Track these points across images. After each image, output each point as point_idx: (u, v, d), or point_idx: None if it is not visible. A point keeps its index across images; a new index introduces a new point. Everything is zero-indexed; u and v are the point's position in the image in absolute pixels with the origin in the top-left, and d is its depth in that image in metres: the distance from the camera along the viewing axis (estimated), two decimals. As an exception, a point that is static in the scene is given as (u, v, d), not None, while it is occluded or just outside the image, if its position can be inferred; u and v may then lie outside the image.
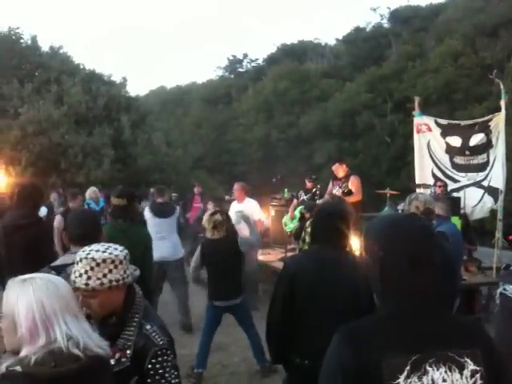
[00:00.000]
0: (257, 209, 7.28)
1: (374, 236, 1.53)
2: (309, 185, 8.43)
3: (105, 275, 1.95)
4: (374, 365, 1.34)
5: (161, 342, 1.96)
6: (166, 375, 1.94)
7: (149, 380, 1.93)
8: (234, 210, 6.84)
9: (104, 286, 1.94)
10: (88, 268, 1.94)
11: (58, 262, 2.75)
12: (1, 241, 4.12)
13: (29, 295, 1.48)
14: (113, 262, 1.98)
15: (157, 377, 1.92)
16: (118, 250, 2.03)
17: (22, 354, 1.41)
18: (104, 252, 1.99)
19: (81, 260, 1.97)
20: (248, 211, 6.78)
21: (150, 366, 1.92)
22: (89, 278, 1.93)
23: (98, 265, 1.95)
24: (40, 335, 1.44)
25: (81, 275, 1.95)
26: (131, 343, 1.95)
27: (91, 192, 7.09)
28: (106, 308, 1.98)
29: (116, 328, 1.98)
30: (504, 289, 2.02)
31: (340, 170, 7.26)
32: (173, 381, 1.96)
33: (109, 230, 3.86)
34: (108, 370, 1.64)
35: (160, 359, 1.94)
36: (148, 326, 2.00)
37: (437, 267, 1.48)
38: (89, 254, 1.98)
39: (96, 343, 1.53)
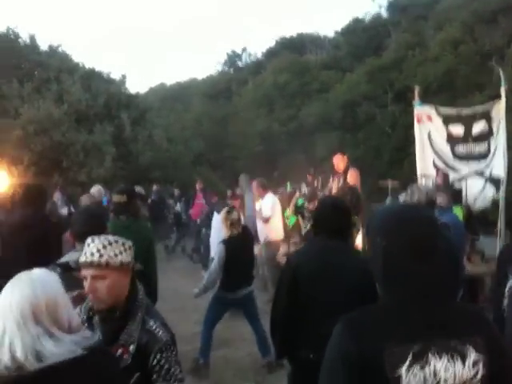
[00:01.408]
0: (267, 206, 7.37)
1: (378, 226, 1.53)
2: (309, 178, 8.48)
3: (116, 255, 2.01)
4: (376, 354, 1.35)
5: (164, 339, 1.98)
6: (172, 370, 1.96)
7: (154, 376, 1.94)
8: (258, 206, 7.45)
9: (116, 262, 1.99)
10: (101, 247, 2.00)
11: (63, 259, 2.77)
12: (5, 240, 4.15)
13: None
14: (123, 244, 2.06)
15: (163, 372, 1.94)
16: (124, 239, 2.11)
17: None
18: (113, 236, 2.08)
19: (93, 240, 2.03)
20: (263, 207, 7.28)
21: (154, 362, 1.94)
22: (101, 255, 1.99)
23: (110, 244, 2.02)
24: None
25: (92, 254, 1.99)
26: (134, 339, 1.96)
27: (95, 190, 7.02)
28: (113, 293, 2.00)
29: (119, 323, 2.00)
30: None
31: (341, 162, 7.25)
32: (179, 376, 1.98)
33: (112, 226, 3.87)
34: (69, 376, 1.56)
35: (165, 355, 1.96)
36: (151, 323, 2.02)
37: (440, 257, 1.48)
38: (100, 236, 2.06)
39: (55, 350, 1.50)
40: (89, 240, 2.05)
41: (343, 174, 7.12)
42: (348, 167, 7.18)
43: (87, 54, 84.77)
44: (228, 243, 4.91)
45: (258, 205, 7.51)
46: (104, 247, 2.00)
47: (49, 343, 1.49)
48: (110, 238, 2.06)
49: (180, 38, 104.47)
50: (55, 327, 1.54)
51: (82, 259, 2.01)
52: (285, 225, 8.01)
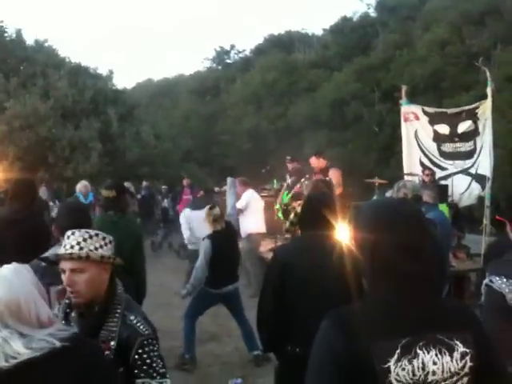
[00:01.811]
0: (242, 200, 7.88)
1: (365, 221, 1.50)
2: (290, 166, 8.53)
3: (97, 248, 1.98)
4: (364, 349, 1.34)
5: (146, 332, 1.95)
6: (154, 365, 1.93)
7: (136, 371, 1.91)
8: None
9: (97, 255, 1.96)
10: (81, 239, 1.97)
11: (47, 253, 2.74)
12: None
13: None
14: (104, 238, 2.03)
15: (144, 367, 1.91)
16: (105, 234, 2.08)
17: None
18: (94, 230, 2.06)
19: (73, 233, 2.00)
20: (239, 201, 7.82)
21: (136, 357, 1.91)
22: (81, 248, 1.95)
23: (90, 237, 1.99)
24: None
25: (72, 247, 1.96)
26: (115, 334, 1.93)
27: (81, 186, 7.07)
28: (92, 287, 1.96)
29: (98, 319, 1.97)
30: (490, 280, 1.99)
31: (318, 163, 7.36)
32: (160, 370, 1.95)
33: (99, 222, 3.86)
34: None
35: (147, 349, 1.93)
36: (132, 317, 1.99)
37: (427, 253, 1.48)
38: (81, 230, 2.02)
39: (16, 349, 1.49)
40: (68, 233, 2.02)
41: (323, 174, 7.19)
42: (327, 167, 7.26)
43: (74, 49, 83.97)
44: (213, 238, 4.91)
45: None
46: (84, 240, 1.98)
47: (18, 344, 1.47)
48: (91, 231, 2.03)
49: (167, 34, 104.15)
50: (22, 325, 1.52)
51: (62, 251, 1.97)
52: (273, 221, 8.06)
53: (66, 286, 1.96)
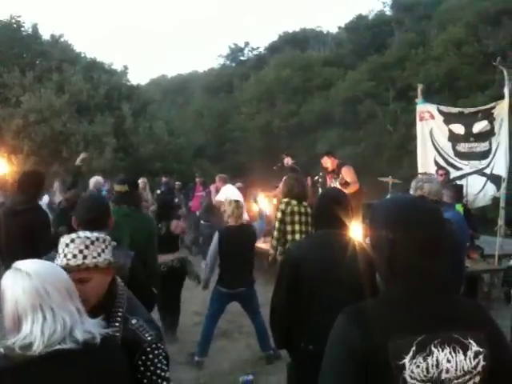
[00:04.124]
0: (220, 192, 8.42)
1: (383, 218, 1.49)
2: (285, 161, 8.54)
3: (99, 254, 1.89)
4: (380, 345, 1.34)
5: (149, 338, 1.86)
6: (158, 371, 1.87)
7: (139, 375, 1.85)
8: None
9: (103, 262, 1.88)
10: (83, 247, 1.87)
11: None
12: (2, 224, 4.24)
13: (10, 288, 1.49)
14: (104, 241, 1.94)
15: (148, 373, 1.85)
16: (104, 235, 2.00)
17: (10, 340, 1.44)
18: (92, 233, 1.95)
19: (72, 241, 1.88)
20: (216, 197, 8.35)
21: (140, 363, 1.84)
22: (85, 257, 1.85)
23: (92, 243, 1.89)
24: (17, 328, 1.46)
25: (75, 256, 1.85)
26: (118, 339, 1.85)
27: (95, 181, 7.16)
28: (97, 294, 1.90)
29: None
30: None
31: (328, 162, 7.32)
32: (163, 374, 1.89)
33: (113, 214, 3.87)
34: (92, 357, 1.54)
35: (150, 356, 1.85)
36: (134, 321, 1.90)
37: (445, 252, 1.47)
38: (79, 235, 1.91)
39: (85, 329, 1.52)
40: (67, 240, 1.89)
41: (337, 172, 7.16)
42: (339, 166, 7.22)
43: (88, 44, 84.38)
44: (224, 231, 4.94)
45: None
46: (86, 247, 1.87)
47: (80, 329, 1.50)
48: (91, 235, 1.92)
49: (183, 35, 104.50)
50: (81, 307, 1.57)
51: (63, 262, 1.84)
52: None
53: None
